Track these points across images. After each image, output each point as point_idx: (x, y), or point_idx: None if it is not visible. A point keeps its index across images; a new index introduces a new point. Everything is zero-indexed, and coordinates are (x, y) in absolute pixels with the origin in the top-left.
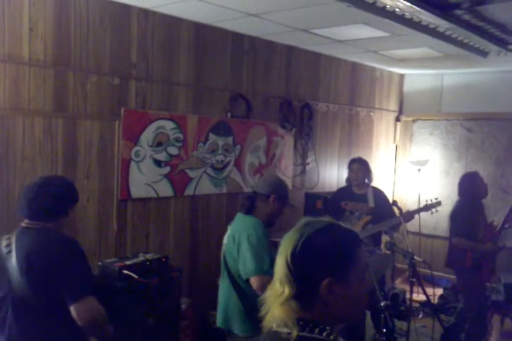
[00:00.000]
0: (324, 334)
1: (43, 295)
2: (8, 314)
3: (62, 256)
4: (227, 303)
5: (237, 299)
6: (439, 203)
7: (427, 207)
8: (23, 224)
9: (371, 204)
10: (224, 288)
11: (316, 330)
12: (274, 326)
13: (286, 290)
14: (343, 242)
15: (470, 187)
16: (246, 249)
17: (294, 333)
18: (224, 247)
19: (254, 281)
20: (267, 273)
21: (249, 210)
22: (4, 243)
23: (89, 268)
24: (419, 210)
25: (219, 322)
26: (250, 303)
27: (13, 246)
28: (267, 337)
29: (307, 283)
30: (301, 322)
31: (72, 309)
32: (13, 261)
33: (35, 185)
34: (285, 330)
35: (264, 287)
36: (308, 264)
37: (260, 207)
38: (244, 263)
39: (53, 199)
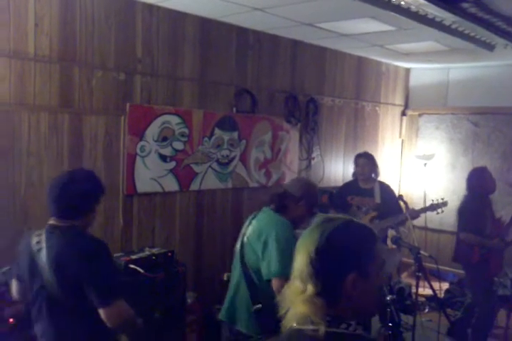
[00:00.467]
0: (351, 328)
1: (72, 295)
2: (42, 307)
3: (88, 259)
4: (234, 296)
5: (247, 294)
6: (445, 203)
7: (433, 207)
8: (51, 222)
9: (377, 199)
10: (234, 280)
11: (343, 325)
12: (295, 324)
13: (310, 288)
14: (363, 238)
15: (478, 182)
16: (274, 248)
17: (322, 329)
18: (245, 239)
19: (275, 283)
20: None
21: (280, 209)
22: (35, 239)
23: (115, 269)
24: (424, 209)
25: (222, 314)
26: (260, 301)
27: (44, 244)
28: (289, 335)
29: (332, 280)
30: (327, 318)
31: (102, 313)
32: (43, 259)
33: (59, 182)
34: (310, 327)
35: None
36: (333, 261)
37: (290, 208)
38: (269, 263)
39: (79, 196)
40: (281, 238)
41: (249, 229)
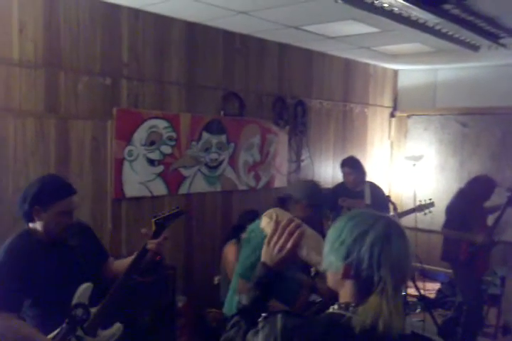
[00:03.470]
0: None
1: None
2: None
3: None
4: None
5: None
6: (432, 204)
7: (420, 208)
8: None
9: (368, 200)
10: None
11: None
12: None
13: None
14: None
15: (477, 191)
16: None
17: None
18: None
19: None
20: None
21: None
22: None
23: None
24: (411, 211)
25: None
26: None
27: None
28: None
29: None
30: None
31: None
32: None
33: None
34: None
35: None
36: None
37: (290, 209)
38: None
39: (20, 201)
40: None
41: None
